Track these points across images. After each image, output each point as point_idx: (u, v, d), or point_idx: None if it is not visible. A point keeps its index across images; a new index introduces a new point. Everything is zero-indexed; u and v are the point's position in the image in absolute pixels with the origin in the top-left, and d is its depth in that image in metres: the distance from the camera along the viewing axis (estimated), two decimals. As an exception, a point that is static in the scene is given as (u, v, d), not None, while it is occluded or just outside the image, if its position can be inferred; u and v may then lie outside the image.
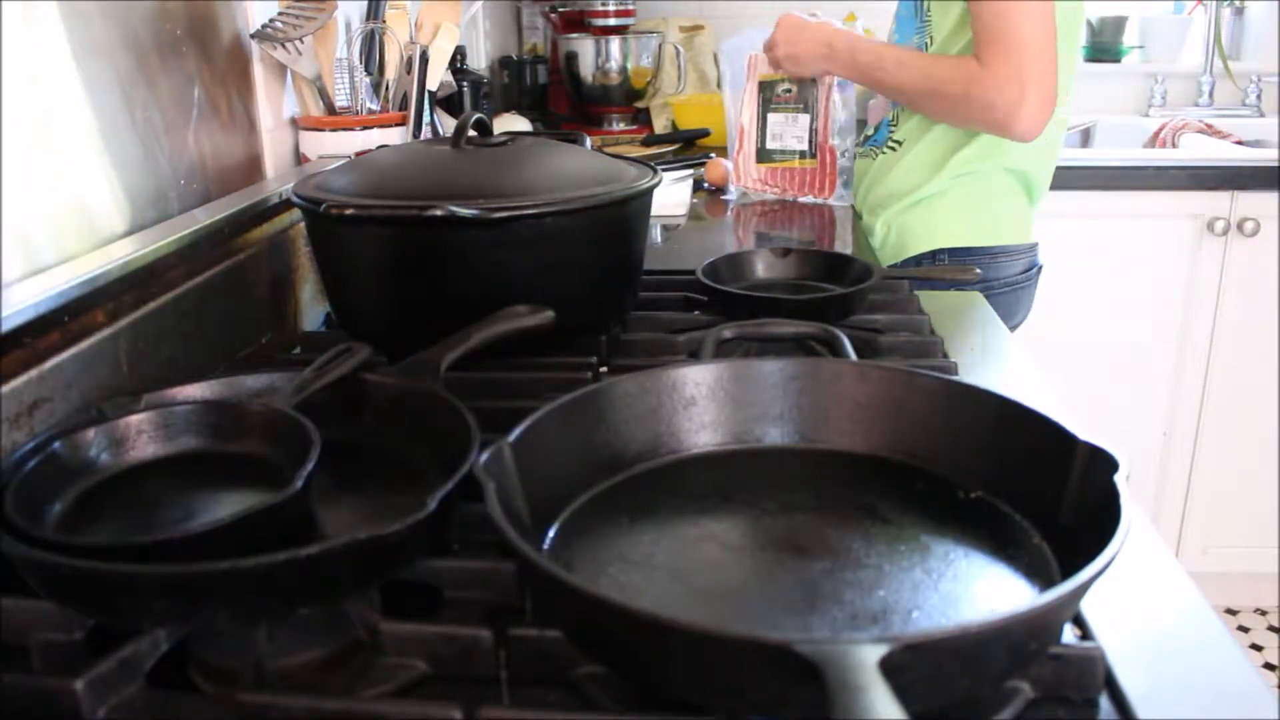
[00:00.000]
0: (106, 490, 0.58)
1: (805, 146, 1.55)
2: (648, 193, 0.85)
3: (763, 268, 1.05)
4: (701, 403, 0.64)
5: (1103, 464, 0.50)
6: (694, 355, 0.83)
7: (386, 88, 1.28)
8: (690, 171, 1.77)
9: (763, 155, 1.59)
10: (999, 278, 1.40)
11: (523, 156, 0.84)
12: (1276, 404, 2.03)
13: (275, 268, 1.00)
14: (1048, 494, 0.53)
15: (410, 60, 1.27)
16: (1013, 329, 1.44)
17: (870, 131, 1.56)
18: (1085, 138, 2.43)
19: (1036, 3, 1.20)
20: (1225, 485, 2.11)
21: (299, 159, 1.21)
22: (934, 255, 1.40)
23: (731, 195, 1.65)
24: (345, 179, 0.83)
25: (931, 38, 1.38)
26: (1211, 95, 2.44)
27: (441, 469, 0.55)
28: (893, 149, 1.46)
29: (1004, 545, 0.53)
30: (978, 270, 1.09)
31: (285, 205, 1.01)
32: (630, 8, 2.27)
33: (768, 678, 0.38)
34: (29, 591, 0.49)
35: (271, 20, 1.10)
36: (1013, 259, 1.41)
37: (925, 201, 1.41)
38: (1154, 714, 0.45)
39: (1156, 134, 2.30)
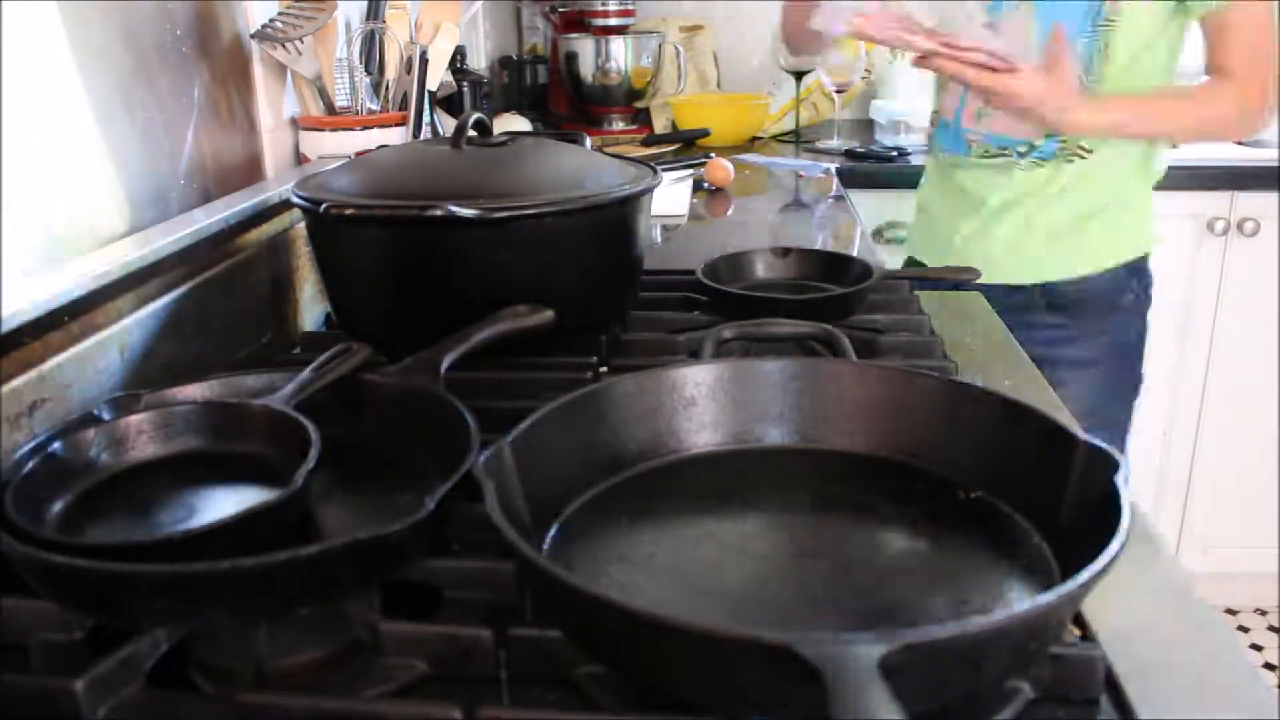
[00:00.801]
0: (106, 490, 0.58)
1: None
2: (648, 193, 0.85)
3: (763, 268, 1.05)
4: (701, 403, 0.64)
5: (1103, 464, 0.50)
6: (694, 355, 0.83)
7: (386, 88, 1.28)
8: (690, 171, 1.77)
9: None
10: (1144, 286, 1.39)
11: (523, 156, 0.84)
12: (1276, 404, 2.02)
13: (275, 268, 1.00)
14: (1048, 494, 0.53)
15: (410, 60, 1.27)
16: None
17: (1023, 147, 1.35)
18: (1085, 138, 2.43)
19: (1271, 8, 1.20)
20: (1225, 485, 2.11)
21: (299, 159, 1.21)
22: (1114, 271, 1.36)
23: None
24: (345, 179, 0.83)
25: (1107, 43, 1.24)
26: (1211, 95, 2.43)
27: (441, 469, 0.55)
28: (1081, 157, 1.33)
29: (1004, 545, 0.53)
30: (978, 270, 1.08)
31: (285, 205, 1.01)
32: (630, 8, 2.27)
33: (768, 678, 0.38)
34: (29, 591, 0.49)
35: (271, 20, 1.10)
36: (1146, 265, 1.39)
37: (1098, 216, 1.35)
38: (1154, 714, 0.45)
39: (1156, 134, 2.29)
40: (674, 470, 0.62)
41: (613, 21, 2.25)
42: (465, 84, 1.83)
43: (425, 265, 0.79)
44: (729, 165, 1.74)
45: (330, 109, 1.19)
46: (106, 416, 0.61)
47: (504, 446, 0.53)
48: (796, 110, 2.26)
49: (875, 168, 1.95)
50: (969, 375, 0.84)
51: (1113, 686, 0.47)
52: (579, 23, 2.27)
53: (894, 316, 0.95)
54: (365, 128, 1.20)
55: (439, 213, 0.73)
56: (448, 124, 1.50)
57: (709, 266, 1.00)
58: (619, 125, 2.30)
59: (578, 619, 0.44)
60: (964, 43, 1.13)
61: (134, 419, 0.61)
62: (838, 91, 2.06)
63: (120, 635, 0.47)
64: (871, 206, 1.90)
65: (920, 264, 1.47)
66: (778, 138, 2.29)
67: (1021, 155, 1.35)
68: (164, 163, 0.92)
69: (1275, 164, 1.89)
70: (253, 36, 1.09)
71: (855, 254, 1.11)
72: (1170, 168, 1.92)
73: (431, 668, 0.48)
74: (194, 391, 0.65)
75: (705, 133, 2.13)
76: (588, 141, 0.97)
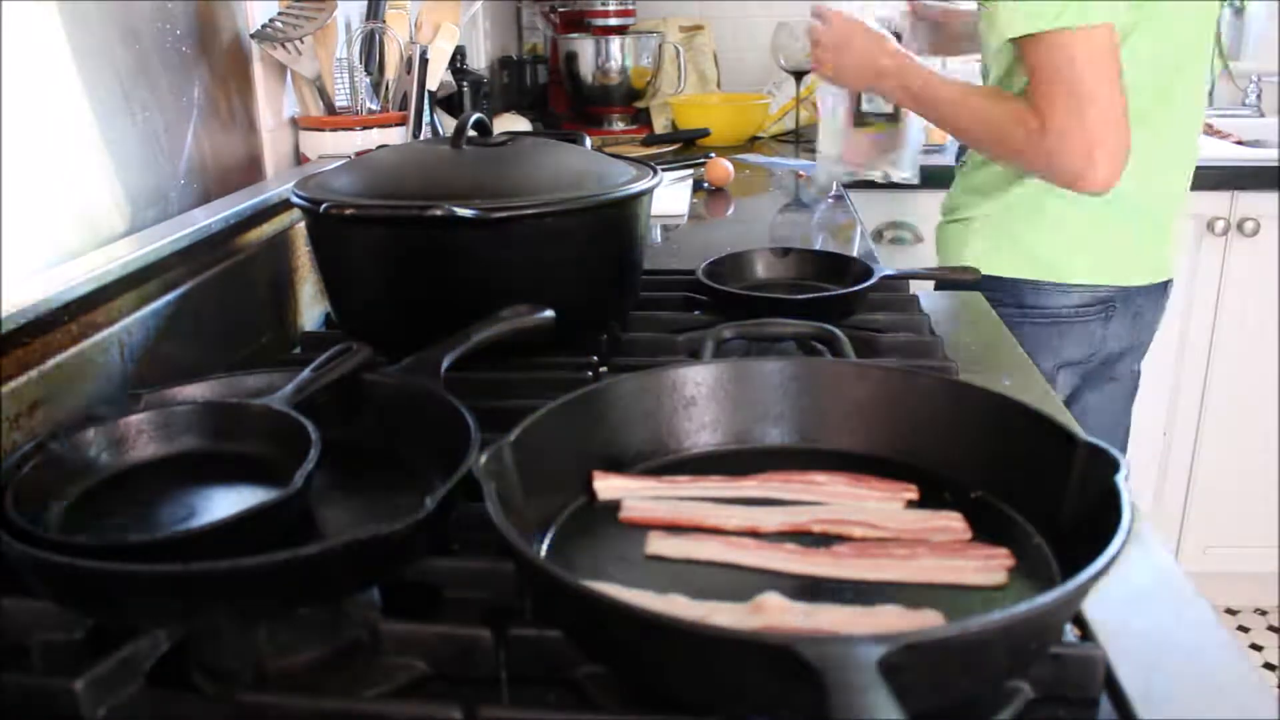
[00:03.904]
0: (106, 490, 0.58)
1: (890, 109, 1.45)
2: (648, 193, 0.85)
3: (763, 268, 1.05)
4: (701, 403, 0.64)
5: (1103, 464, 0.50)
6: (694, 355, 0.83)
7: (386, 88, 1.28)
8: (690, 171, 1.77)
9: (858, 119, 1.49)
10: (1038, 305, 1.29)
11: (523, 156, 0.84)
12: (1276, 404, 2.03)
13: (275, 268, 1.00)
14: (1048, 494, 0.53)
15: (410, 60, 1.27)
16: (1060, 367, 1.33)
17: None
18: (1085, 138, 2.43)
19: (1094, 41, 1.07)
20: (1225, 485, 2.11)
21: (299, 159, 1.21)
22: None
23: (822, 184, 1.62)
24: (345, 179, 0.83)
25: (989, 66, 1.27)
26: (1211, 95, 2.43)
27: (441, 469, 0.55)
28: (962, 164, 1.40)
29: (1004, 545, 0.53)
30: (978, 270, 1.08)
31: (285, 205, 1.01)
32: (630, 8, 2.27)
33: (768, 678, 0.38)
34: (29, 591, 0.49)
35: (271, 20, 1.10)
36: (1062, 292, 1.29)
37: (965, 222, 1.35)
38: (1154, 714, 0.45)
39: (1156, 134, 2.29)
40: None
41: (613, 21, 2.25)
42: (465, 84, 1.83)
43: (425, 265, 0.79)
44: (729, 165, 1.74)
45: (330, 109, 1.19)
46: (106, 416, 0.61)
47: (504, 446, 0.53)
48: (796, 110, 2.26)
49: (875, 168, 1.95)
50: (969, 375, 0.84)
51: (1113, 686, 0.47)
52: (579, 23, 2.27)
53: (894, 316, 0.95)
54: (365, 128, 1.20)
55: (439, 213, 0.73)
56: (448, 124, 1.50)
57: (709, 266, 1.00)
58: (619, 125, 2.30)
59: (578, 619, 0.44)
60: None
61: (134, 419, 0.61)
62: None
63: (120, 635, 0.47)
64: (871, 206, 1.90)
65: None
66: (778, 138, 2.29)
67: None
68: (164, 163, 0.92)
69: (1275, 164, 1.89)
70: (253, 36, 1.09)
71: (855, 254, 1.11)
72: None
73: (431, 668, 0.48)
74: (194, 391, 0.65)
75: (705, 133, 2.13)
76: (588, 141, 0.97)
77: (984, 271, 1.24)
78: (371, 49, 1.29)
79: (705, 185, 1.73)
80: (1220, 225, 1.92)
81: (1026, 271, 1.30)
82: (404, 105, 1.27)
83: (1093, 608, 0.51)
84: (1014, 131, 1.15)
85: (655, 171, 0.88)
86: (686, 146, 2.11)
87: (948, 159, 1.98)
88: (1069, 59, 1.08)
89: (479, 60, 2.19)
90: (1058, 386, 1.32)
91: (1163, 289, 1.36)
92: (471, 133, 0.85)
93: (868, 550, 0.53)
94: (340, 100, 1.22)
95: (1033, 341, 1.26)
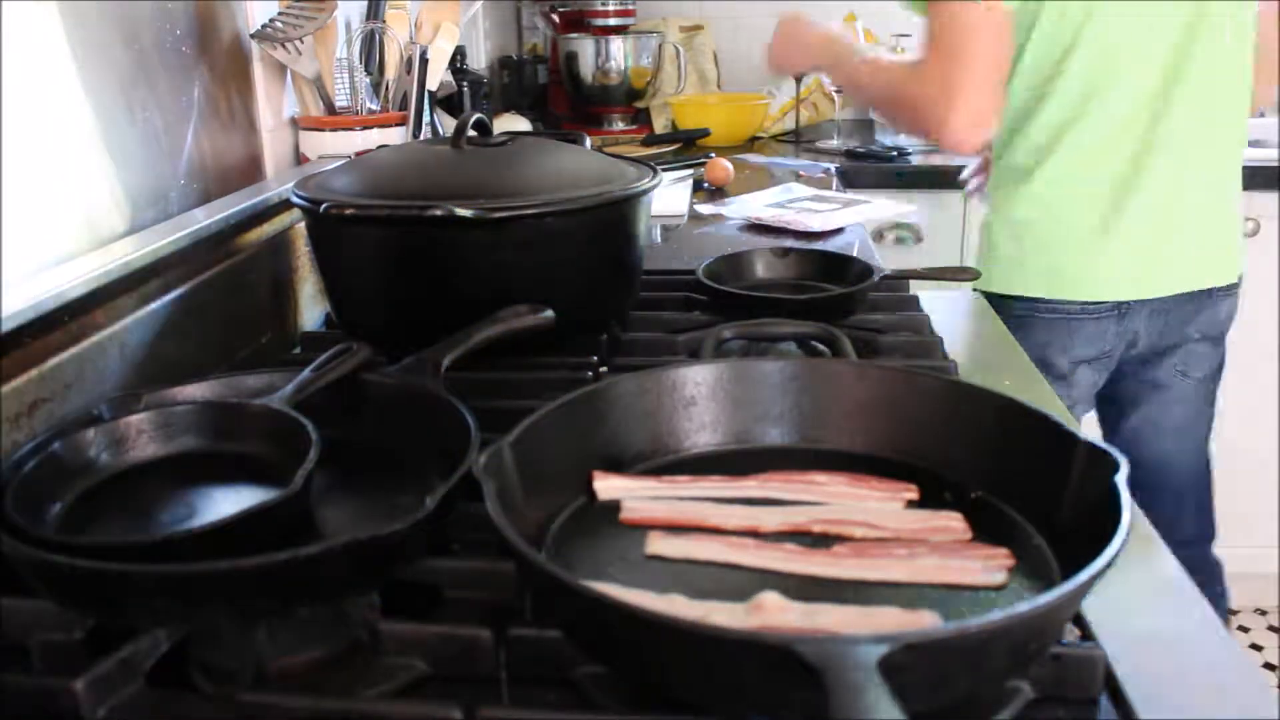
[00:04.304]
0: (106, 490, 0.58)
1: None
2: (648, 193, 0.85)
3: (763, 268, 1.05)
4: (701, 403, 0.64)
5: (1103, 464, 0.50)
6: (694, 355, 0.83)
7: (386, 88, 1.28)
8: (690, 171, 1.77)
9: None
10: (1050, 301, 1.30)
11: (523, 156, 0.84)
12: (1277, 404, 2.02)
13: (275, 268, 1.00)
14: (1048, 494, 0.53)
15: (410, 60, 1.27)
16: (1075, 364, 1.33)
17: None
18: (1085, 138, 2.43)
19: (983, 14, 1.15)
20: (1226, 486, 2.10)
21: (299, 159, 1.21)
22: None
23: None
24: (345, 179, 0.83)
25: None
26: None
27: (441, 469, 0.55)
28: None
29: (1004, 545, 0.53)
30: (977, 271, 1.08)
31: (285, 205, 1.00)
32: (630, 8, 2.27)
33: (767, 678, 0.38)
34: (29, 591, 0.49)
35: (271, 20, 1.10)
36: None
37: (989, 226, 1.36)
38: (1154, 714, 0.45)
39: (1156, 134, 2.29)
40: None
41: (613, 21, 2.25)
42: (465, 84, 1.83)
43: (425, 265, 0.79)
44: (729, 165, 1.74)
45: (330, 109, 1.19)
46: (106, 416, 0.61)
47: (504, 446, 0.53)
48: (796, 110, 2.26)
49: (875, 168, 1.95)
50: (969, 375, 0.84)
51: (1113, 686, 0.47)
52: (579, 23, 2.27)
53: (894, 316, 0.95)
54: (365, 128, 1.20)
55: (439, 213, 0.73)
56: (448, 124, 1.50)
57: (709, 266, 1.00)
58: (619, 125, 2.30)
59: (578, 619, 0.44)
60: None
61: (134, 419, 0.61)
62: (837, 91, 2.06)
63: (120, 635, 0.47)
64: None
65: None
66: (778, 138, 2.29)
67: None
68: (164, 163, 0.92)
69: (1275, 164, 1.89)
70: (253, 36, 1.09)
71: (855, 254, 1.11)
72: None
73: (431, 668, 0.48)
74: (194, 391, 0.65)
75: (705, 133, 2.13)
76: (588, 141, 0.97)
77: (1001, 289, 1.29)
78: (371, 49, 1.29)
79: (705, 185, 1.73)
80: (1220, 225, 1.92)
81: (1041, 290, 1.30)
82: (404, 105, 1.27)
83: (1093, 608, 0.51)
84: (904, 78, 1.24)
85: (655, 171, 0.88)
86: (686, 146, 2.11)
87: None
88: (960, 19, 1.16)
89: (479, 60, 2.19)
90: (1077, 384, 1.33)
91: (1190, 298, 1.37)
92: (471, 133, 0.85)
93: (867, 550, 0.53)
94: (340, 100, 1.22)
95: (1046, 338, 1.29)
